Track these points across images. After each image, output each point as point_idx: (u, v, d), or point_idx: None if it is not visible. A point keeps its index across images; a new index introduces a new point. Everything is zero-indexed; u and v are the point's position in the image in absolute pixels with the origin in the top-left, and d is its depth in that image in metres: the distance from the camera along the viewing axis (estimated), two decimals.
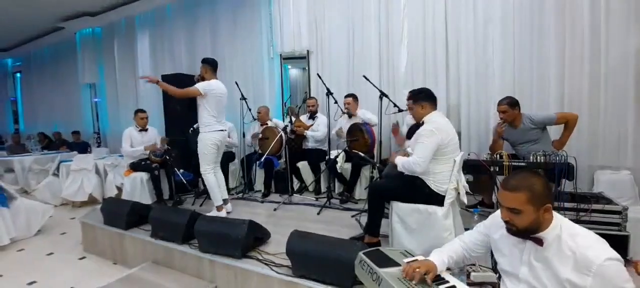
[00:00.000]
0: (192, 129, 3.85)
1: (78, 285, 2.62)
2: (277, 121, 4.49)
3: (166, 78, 3.17)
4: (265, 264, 2.16)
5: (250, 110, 4.14)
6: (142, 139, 4.14)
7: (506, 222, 1.23)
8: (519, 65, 3.45)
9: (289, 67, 5.10)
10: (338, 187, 3.96)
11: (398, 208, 2.25)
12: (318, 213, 3.25)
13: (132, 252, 2.88)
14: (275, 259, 2.21)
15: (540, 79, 3.36)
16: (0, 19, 6.98)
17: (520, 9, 3.40)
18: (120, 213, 3.00)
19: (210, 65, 3.23)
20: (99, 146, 7.38)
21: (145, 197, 3.90)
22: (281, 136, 3.84)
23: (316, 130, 4.20)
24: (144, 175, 3.96)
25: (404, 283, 1.35)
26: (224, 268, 2.27)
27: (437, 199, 2.16)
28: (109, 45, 7.11)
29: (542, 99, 3.35)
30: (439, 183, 2.17)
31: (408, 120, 3.49)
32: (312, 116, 4.32)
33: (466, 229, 1.69)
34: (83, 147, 6.84)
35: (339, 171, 3.71)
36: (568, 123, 2.79)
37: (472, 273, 1.81)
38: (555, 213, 1.21)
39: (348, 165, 3.72)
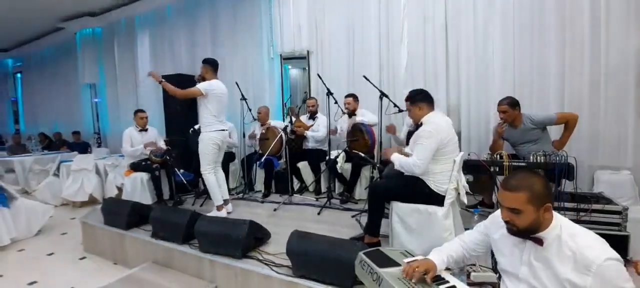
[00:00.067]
0: (192, 129, 3.85)
1: (78, 285, 2.62)
2: (276, 123, 4.48)
3: (168, 78, 3.18)
4: (266, 264, 2.17)
5: (250, 110, 4.15)
6: (142, 139, 4.14)
7: (506, 222, 1.23)
8: (519, 65, 3.45)
9: (289, 67, 5.10)
10: (338, 187, 3.96)
11: (398, 209, 2.25)
12: (318, 214, 3.25)
13: (133, 252, 2.88)
14: (275, 259, 2.21)
15: (541, 79, 3.36)
16: (0, 20, 6.98)
17: (520, 9, 3.40)
18: (121, 214, 3.00)
19: (211, 66, 3.24)
20: (99, 146, 7.39)
21: (145, 197, 3.90)
22: (281, 136, 3.85)
23: (316, 131, 4.21)
24: (144, 176, 3.97)
25: (404, 283, 1.35)
26: (224, 268, 2.28)
27: (437, 199, 2.16)
28: (109, 46, 7.12)
29: (542, 99, 3.35)
30: (439, 184, 2.17)
31: (408, 120, 3.49)
32: (312, 116, 4.32)
33: (466, 229, 1.69)
34: (83, 147, 6.85)
35: (339, 171, 3.71)
36: (568, 123, 2.79)
37: (472, 273, 1.81)
38: (555, 213, 1.22)
39: (348, 166, 3.72)
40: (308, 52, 4.73)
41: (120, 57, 6.95)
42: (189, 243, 2.56)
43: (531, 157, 2.48)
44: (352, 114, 3.90)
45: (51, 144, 7.49)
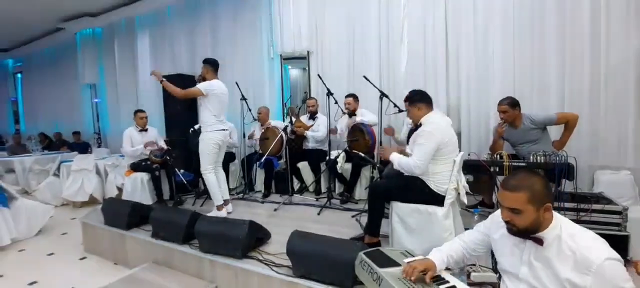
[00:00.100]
0: (192, 129, 3.85)
1: (79, 286, 2.62)
2: (276, 123, 4.49)
3: (168, 79, 3.19)
4: (266, 264, 2.17)
5: (250, 110, 4.15)
6: (143, 139, 4.15)
7: (507, 222, 1.23)
8: (519, 65, 3.45)
9: (289, 67, 5.10)
10: (338, 188, 3.96)
11: (398, 209, 2.25)
12: (318, 214, 3.25)
13: (133, 252, 2.88)
14: (275, 259, 2.21)
15: (541, 79, 3.36)
16: (1, 20, 6.98)
17: (521, 9, 3.40)
18: (121, 214, 3.00)
19: (212, 66, 3.24)
20: (99, 146, 7.39)
21: (145, 197, 3.91)
22: (281, 136, 3.85)
23: (316, 131, 4.21)
24: (144, 176, 3.97)
25: (404, 283, 1.35)
26: (225, 268, 2.28)
27: (437, 199, 2.16)
28: (109, 46, 7.12)
29: (542, 99, 3.35)
30: (439, 184, 2.17)
31: (408, 120, 3.49)
32: (312, 116, 4.32)
33: (466, 229, 1.69)
34: (83, 148, 6.86)
35: (339, 171, 3.71)
36: (568, 123, 2.79)
37: (473, 274, 1.81)
38: (555, 213, 1.22)
39: (348, 166, 3.72)
40: (308, 52, 4.74)
41: (120, 57, 6.94)
42: (189, 243, 2.56)
43: (531, 157, 2.48)
44: (352, 114, 3.90)
45: (51, 144, 7.49)
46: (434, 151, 2.11)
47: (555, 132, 3.01)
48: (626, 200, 2.72)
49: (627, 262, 1.84)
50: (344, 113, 3.96)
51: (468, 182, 2.32)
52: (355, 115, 3.89)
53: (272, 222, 2.90)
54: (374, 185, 2.54)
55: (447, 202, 2.15)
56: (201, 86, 3.09)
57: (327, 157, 3.82)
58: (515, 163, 2.52)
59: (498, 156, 2.61)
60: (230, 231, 2.31)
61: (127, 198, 3.77)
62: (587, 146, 3.17)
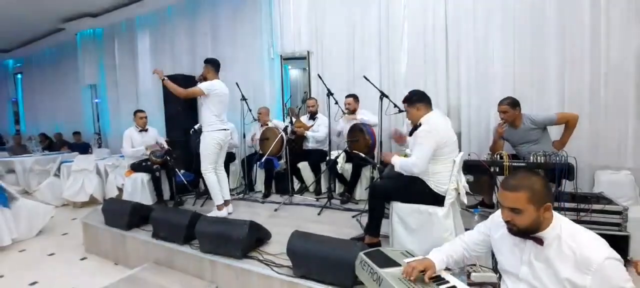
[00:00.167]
0: (193, 129, 3.85)
1: (79, 286, 2.63)
2: (277, 122, 4.49)
3: (170, 79, 3.20)
4: (266, 264, 2.17)
5: (250, 110, 4.15)
6: (143, 140, 4.15)
7: (507, 222, 1.24)
8: (520, 65, 3.45)
9: (289, 67, 5.10)
10: (338, 188, 3.96)
11: (398, 209, 2.25)
12: (319, 214, 3.25)
13: (134, 252, 2.89)
14: (275, 259, 2.21)
15: (541, 79, 3.36)
16: (1, 20, 6.99)
17: (520, 9, 3.40)
18: (122, 214, 3.01)
19: (213, 66, 3.25)
20: (99, 147, 7.38)
21: (146, 197, 3.91)
22: (282, 137, 3.85)
23: (316, 131, 4.21)
24: (144, 176, 3.97)
25: (404, 283, 1.35)
26: (225, 268, 2.28)
27: (437, 199, 2.17)
28: (110, 46, 7.12)
29: (542, 99, 3.35)
30: (439, 184, 2.17)
31: (408, 122, 3.49)
32: (313, 117, 4.32)
33: (467, 229, 1.70)
34: (84, 148, 6.86)
35: (339, 171, 3.72)
36: (568, 123, 2.79)
37: (473, 274, 1.82)
38: (555, 212, 1.22)
39: (349, 166, 3.72)
40: (308, 52, 4.74)
41: (120, 57, 6.95)
42: (190, 243, 2.57)
43: (531, 157, 2.48)
44: (352, 114, 3.90)
45: (52, 144, 7.49)
46: (433, 150, 2.11)
47: (555, 132, 3.01)
48: (626, 200, 2.72)
49: (627, 262, 1.84)
50: (344, 113, 3.96)
51: (468, 182, 2.32)
52: (355, 115, 3.89)
53: (272, 222, 2.90)
54: (374, 185, 2.54)
55: (447, 202, 2.15)
56: (203, 86, 3.10)
57: (328, 157, 3.82)
58: (515, 164, 2.52)
59: (498, 156, 2.61)
60: (231, 231, 2.31)
61: (128, 198, 3.78)
62: (587, 146, 3.17)
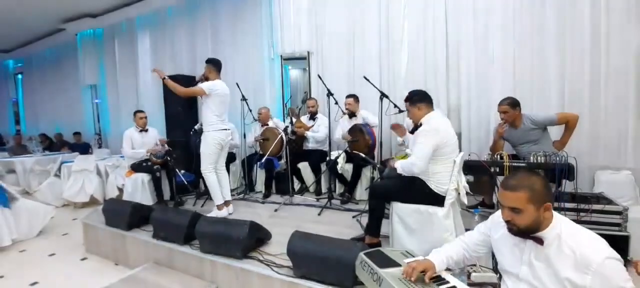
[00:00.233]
0: (193, 129, 3.86)
1: (80, 286, 2.63)
2: (277, 120, 4.50)
3: (171, 79, 3.20)
4: (266, 265, 2.17)
5: (250, 111, 4.15)
6: (143, 140, 4.15)
7: (507, 222, 1.24)
8: (520, 66, 3.45)
9: (290, 67, 5.11)
10: (339, 188, 3.96)
11: (398, 209, 2.26)
12: (319, 214, 3.26)
13: (134, 252, 2.89)
14: (276, 260, 2.21)
15: (541, 79, 3.36)
16: (1, 21, 7.00)
17: (521, 9, 3.40)
18: (122, 214, 3.01)
19: (214, 66, 3.25)
20: (100, 147, 7.38)
21: (146, 198, 3.91)
22: (282, 137, 3.85)
23: (316, 131, 4.21)
24: (145, 176, 3.97)
25: (404, 283, 1.35)
26: (225, 268, 2.28)
27: (437, 200, 2.17)
28: (110, 47, 7.12)
29: (542, 99, 3.35)
30: (439, 184, 2.17)
31: (409, 120, 3.49)
32: (313, 117, 4.33)
33: (467, 230, 1.70)
34: (84, 148, 6.86)
35: (339, 172, 3.72)
36: (569, 123, 2.79)
37: (473, 274, 1.81)
38: (555, 212, 1.22)
39: (349, 166, 3.72)
40: (308, 52, 4.74)
41: (121, 57, 6.95)
42: (190, 243, 2.57)
43: (531, 158, 2.48)
44: (352, 114, 3.90)
45: (52, 144, 7.50)
46: (433, 150, 2.11)
47: (555, 132, 3.01)
48: (626, 200, 2.72)
49: (627, 262, 1.84)
50: (344, 113, 3.96)
51: (468, 183, 2.33)
52: (355, 115, 3.89)
53: (272, 223, 2.90)
54: (374, 185, 2.54)
55: (447, 202, 2.15)
56: (204, 85, 3.10)
57: (328, 158, 3.82)
58: (515, 164, 2.52)
59: (498, 156, 2.61)
60: (231, 231, 2.31)
61: (128, 198, 3.78)
62: (588, 146, 3.17)
